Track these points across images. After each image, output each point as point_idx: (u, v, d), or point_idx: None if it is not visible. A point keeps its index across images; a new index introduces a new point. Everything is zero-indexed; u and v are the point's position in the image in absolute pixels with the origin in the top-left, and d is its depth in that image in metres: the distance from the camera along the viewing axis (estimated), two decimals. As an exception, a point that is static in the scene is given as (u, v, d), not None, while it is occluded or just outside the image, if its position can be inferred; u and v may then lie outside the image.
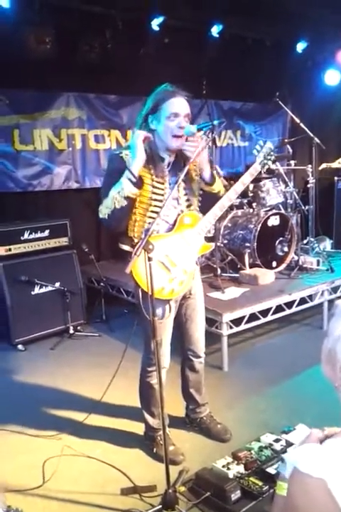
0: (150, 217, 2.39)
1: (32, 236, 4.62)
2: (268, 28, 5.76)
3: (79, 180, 5.59)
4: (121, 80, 5.24)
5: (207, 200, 2.54)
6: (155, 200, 2.39)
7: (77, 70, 4.96)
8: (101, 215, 2.39)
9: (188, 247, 2.50)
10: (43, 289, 4.55)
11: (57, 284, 4.61)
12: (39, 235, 4.67)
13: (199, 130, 2.32)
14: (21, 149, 5.14)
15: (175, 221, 2.47)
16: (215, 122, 2.37)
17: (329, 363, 1.13)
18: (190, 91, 2.42)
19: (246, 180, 2.56)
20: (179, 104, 2.33)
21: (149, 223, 2.35)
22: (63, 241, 4.84)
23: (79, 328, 4.73)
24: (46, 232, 4.72)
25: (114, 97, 5.73)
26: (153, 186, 2.39)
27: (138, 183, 2.29)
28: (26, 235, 4.58)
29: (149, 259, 2.06)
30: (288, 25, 5.54)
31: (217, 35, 5.54)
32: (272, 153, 2.59)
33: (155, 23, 5.09)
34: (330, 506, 0.95)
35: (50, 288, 4.57)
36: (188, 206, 2.52)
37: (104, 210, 2.36)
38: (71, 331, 4.60)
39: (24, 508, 2.31)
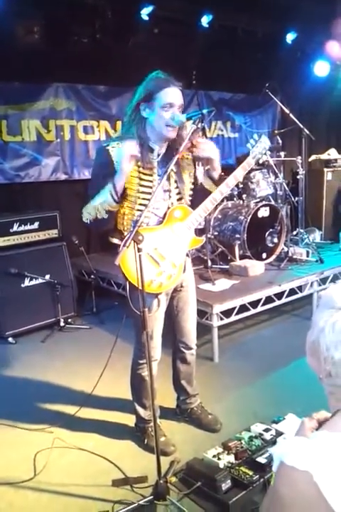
0: (138, 210, 2.35)
1: (21, 228, 4.58)
2: (258, 19, 5.75)
3: (67, 171, 5.56)
4: (110, 70, 5.20)
5: (199, 194, 2.51)
6: (143, 192, 2.34)
7: (66, 60, 4.90)
8: (83, 219, 2.38)
9: (178, 241, 2.46)
10: (33, 282, 4.52)
11: (47, 277, 4.58)
12: (28, 227, 4.63)
13: (188, 119, 2.28)
14: (9, 140, 5.09)
15: (165, 214, 2.44)
16: (204, 111, 2.32)
17: (313, 355, 1.12)
18: (180, 81, 2.37)
19: (238, 174, 2.54)
20: (174, 95, 2.28)
21: (138, 216, 2.31)
22: (53, 233, 4.80)
23: (69, 320, 4.71)
24: (36, 224, 4.68)
25: (103, 87, 5.69)
26: (140, 178, 2.34)
27: (120, 199, 2.28)
28: (15, 228, 4.54)
29: (139, 250, 2.04)
30: (277, 16, 5.53)
31: (207, 26, 5.52)
32: (267, 149, 2.59)
33: (145, 13, 5.05)
34: (316, 499, 0.95)
35: (40, 280, 4.54)
36: (179, 199, 2.48)
37: (86, 215, 2.36)
38: (61, 324, 4.58)
39: (15, 501, 2.32)
